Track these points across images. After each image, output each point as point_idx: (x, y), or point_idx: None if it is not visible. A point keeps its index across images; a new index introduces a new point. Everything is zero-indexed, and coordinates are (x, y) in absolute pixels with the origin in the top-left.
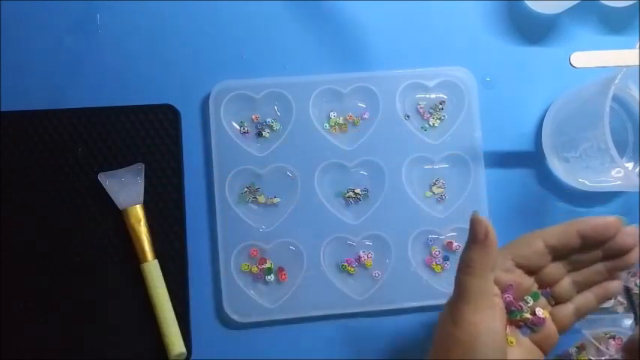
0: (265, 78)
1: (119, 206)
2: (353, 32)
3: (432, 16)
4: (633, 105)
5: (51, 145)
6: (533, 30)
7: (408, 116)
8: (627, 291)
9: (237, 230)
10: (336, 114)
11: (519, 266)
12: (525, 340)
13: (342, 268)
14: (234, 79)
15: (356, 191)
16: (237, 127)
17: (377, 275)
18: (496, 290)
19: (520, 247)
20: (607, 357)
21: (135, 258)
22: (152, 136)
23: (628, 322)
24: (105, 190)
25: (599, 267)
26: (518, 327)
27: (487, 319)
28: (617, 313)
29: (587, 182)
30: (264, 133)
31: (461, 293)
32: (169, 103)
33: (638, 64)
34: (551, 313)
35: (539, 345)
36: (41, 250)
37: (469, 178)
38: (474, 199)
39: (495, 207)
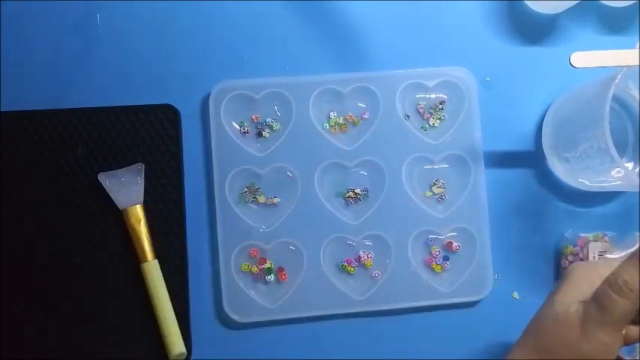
0: (265, 78)
1: (119, 206)
2: (353, 32)
3: (432, 16)
4: (633, 105)
5: (51, 145)
6: (533, 30)
7: (408, 116)
8: None
9: (237, 230)
10: (336, 114)
11: None
12: None
13: (342, 268)
14: (234, 79)
15: (356, 191)
16: (237, 127)
17: (377, 275)
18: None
19: None
20: None
21: (135, 258)
22: (152, 136)
23: None
24: (105, 190)
25: None
26: None
27: (617, 346)
28: None
29: (587, 182)
30: (264, 133)
31: (606, 312)
32: (169, 103)
33: (638, 64)
34: None
35: None
36: (41, 250)
37: (469, 178)
38: (474, 199)
39: (495, 207)
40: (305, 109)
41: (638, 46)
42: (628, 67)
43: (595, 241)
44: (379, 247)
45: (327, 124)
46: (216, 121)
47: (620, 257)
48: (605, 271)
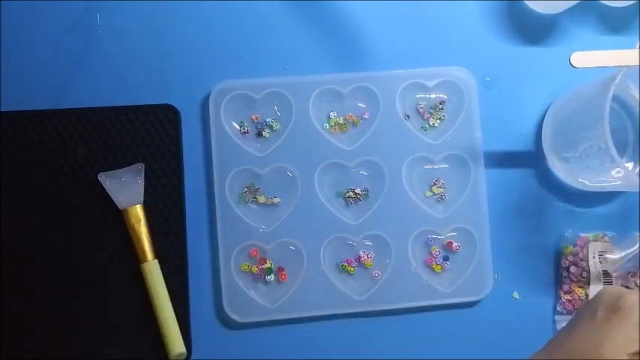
0: (265, 78)
1: (119, 206)
2: (353, 32)
3: (432, 16)
4: (633, 105)
5: (51, 145)
6: (533, 30)
7: (408, 116)
8: None
9: (237, 230)
10: (336, 114)
11: None
12: None
13: (342, 268)
14: (234, 79)
15: (356, 191)
16: (237, 127)
17: (377, 275)
18: None
19: None
20: None
21: (135, 258)
22: (152, 136)
23: None
24: (105, 190)
25: None
26: None
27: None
28: None
29: (587, 182)
30: (264, 133)
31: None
32: (169, 103)
33: (638, 64)
34: None
35: None
36: (41, 250)
37: (469, 178)
38: (474, 199)
39: (495, 207)
40: (305, 109)
41: (638, 46)
42: (628, 67)
43: (595, 241)
44: (379, 247)
45: (327, 124)
46: (216, 121)
47: None
48: None
